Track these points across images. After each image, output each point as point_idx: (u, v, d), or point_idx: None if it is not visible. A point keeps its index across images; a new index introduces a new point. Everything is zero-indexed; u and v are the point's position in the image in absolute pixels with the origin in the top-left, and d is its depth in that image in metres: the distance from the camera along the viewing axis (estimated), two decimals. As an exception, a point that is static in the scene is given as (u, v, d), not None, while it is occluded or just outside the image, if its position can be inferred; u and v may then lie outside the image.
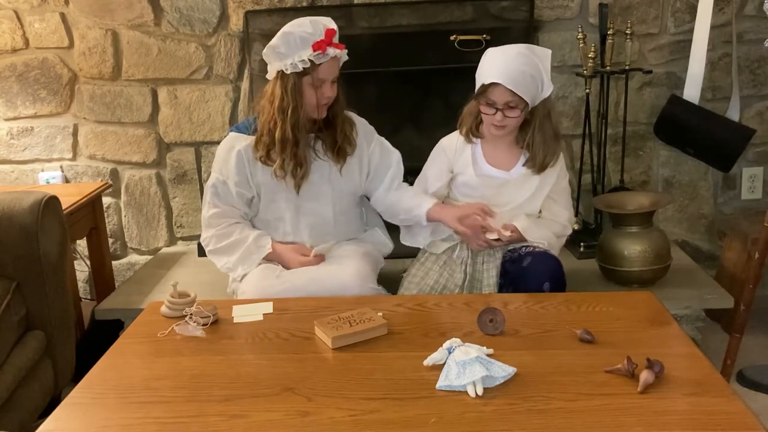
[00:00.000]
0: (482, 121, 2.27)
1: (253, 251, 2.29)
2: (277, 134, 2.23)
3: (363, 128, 2.41)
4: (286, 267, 2.29)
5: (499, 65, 2.15)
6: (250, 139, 2.30)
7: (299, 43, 2.16)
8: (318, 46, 2.15)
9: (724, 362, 2.41)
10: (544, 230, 2.26)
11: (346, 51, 2.26)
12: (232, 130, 2.38)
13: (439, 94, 3.05)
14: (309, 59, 2.16)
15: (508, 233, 2.19)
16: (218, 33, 3.11)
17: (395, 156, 2.43)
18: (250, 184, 2.33)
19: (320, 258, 2.28)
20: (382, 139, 2.45)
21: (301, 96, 2.21)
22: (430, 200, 2.29)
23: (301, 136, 2.24)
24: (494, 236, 2.20)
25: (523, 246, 2.27)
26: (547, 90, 2.20)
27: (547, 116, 2.25)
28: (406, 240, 2.43)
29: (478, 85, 2.21)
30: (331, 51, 2.18)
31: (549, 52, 2.22)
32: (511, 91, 2.12)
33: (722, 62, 3.04)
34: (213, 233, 2.33)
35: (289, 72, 2.19)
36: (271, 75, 2.26)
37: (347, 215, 2.43)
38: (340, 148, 2.31)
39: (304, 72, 2.19)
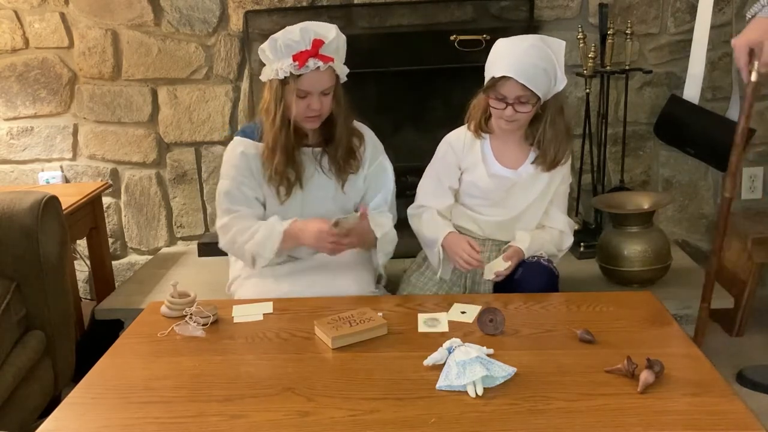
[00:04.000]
0: (491, 115, 2.17)
1: (276, 225, 2.15)
2: (265, 139, 2.16)
3: (372, 144, 2.29)
4: (306, 243, 2.16)
5: (510, 58, 2.04)
6: (258, 146, 2.19)
7: (283, 50, 2.05)
8: (297, 57, 2.03)
9: (696, 334, 2.35)
10: (545, 246, 2.20)
11: (346, 68, 2.14)
12: (237, 134, 2.27)
13: (439, 94, 3.05)
14: (289, 69, 2.04)
15: (507, 265, 2.13)
16: (218, 33, 3.10)
17: (388, 186, 2.30)
18: (261, 188, 2.22)
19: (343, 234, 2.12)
20: (387, 162, 2.32)
21: (282, 104, 2.10)
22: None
23: (286, 146, 2.13)
24: (492, 276, 2.12)
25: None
26: (561, 84, 2.09)
27: (560, 111, 2.15)
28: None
29: (487, 78, 2.10)
30: (312, 63, 2.03)
31: (563, 43, 2.11)
32: (522, 85, 2.02)
33: (722, 62, 3.04)
34: (233, 234, 2.19)
35: (271, 78, 2.10)
36: (263, 78, 2.16)
37: None
38: (341, 165, 2.20)
39: (286, 81, 2.08)
